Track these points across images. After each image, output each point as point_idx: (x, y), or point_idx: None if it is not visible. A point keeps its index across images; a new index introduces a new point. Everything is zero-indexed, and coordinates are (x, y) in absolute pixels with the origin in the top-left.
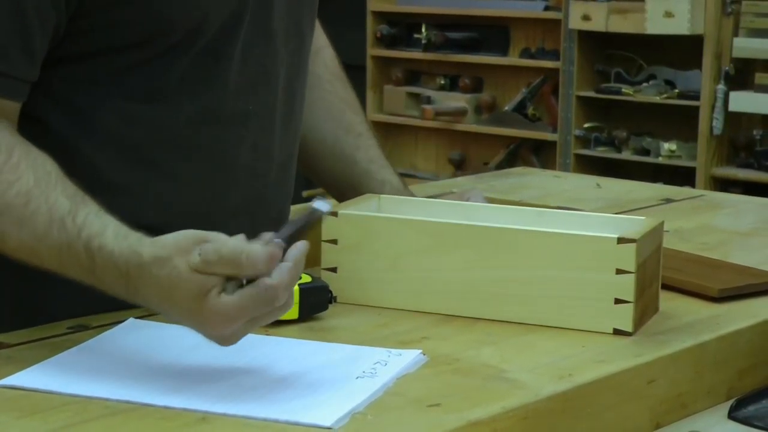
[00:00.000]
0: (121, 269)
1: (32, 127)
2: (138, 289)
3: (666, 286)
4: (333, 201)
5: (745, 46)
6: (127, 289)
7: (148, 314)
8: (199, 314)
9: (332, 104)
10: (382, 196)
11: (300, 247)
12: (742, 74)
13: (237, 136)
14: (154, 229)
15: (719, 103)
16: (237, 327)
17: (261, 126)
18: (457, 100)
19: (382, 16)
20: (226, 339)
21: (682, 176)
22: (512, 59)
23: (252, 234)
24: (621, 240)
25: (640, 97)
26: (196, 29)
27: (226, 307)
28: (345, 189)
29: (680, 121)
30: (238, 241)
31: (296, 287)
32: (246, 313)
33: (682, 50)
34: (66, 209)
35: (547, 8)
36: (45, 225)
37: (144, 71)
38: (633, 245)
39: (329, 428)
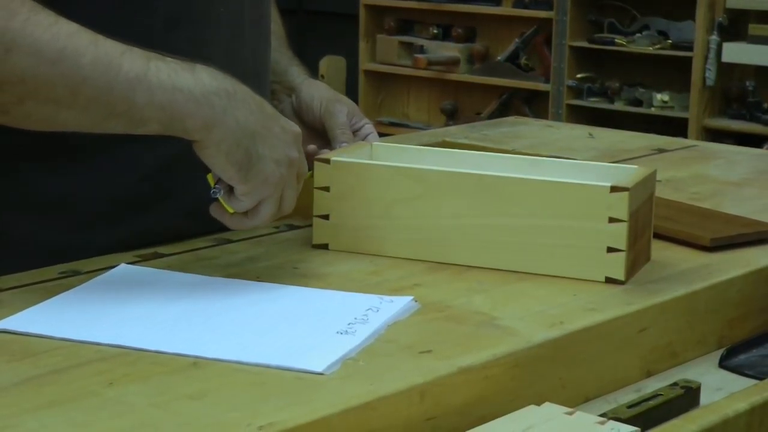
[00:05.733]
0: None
1: None
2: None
3: (658, 236)
4: None
5: None
6: (222, 83)
7: (140, 260)
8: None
9: None
10: (374, 144)
11: None
12: (735, 25)
13: (210, 39)
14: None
15: (712, 54)
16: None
17: (232, 30)
18: (449, 50)
19: None
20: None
21: (675, 127)
22: (505, 9)
23: None
24: (614, 188)
25: (633, 48)
26: None
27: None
28: None
29: (673, 71)
30: None
31: None
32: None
33: (676, 1)
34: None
35: None
36: (124, 45)
37: None
38: (626, 194)
39: (321, 374)
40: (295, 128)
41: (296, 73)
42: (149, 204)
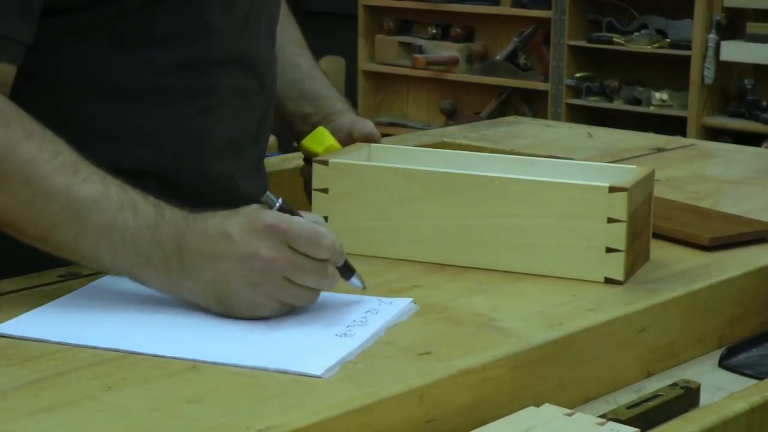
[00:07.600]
0: (186, 221)
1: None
2: (191, 237)
3: (657, 235)
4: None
5: None
6: (179, 242)
7: None
8: (251, 230)
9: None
10: (372, 145)
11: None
12: (733, 23)
13: (223, 79)
14: (142, 171)
15: (711, 53)
16: (279, 258)
17: (245, 69)
18: (448, 50)
19: None
20: (267, 271)
21: (674, 126)
22: (504, 8)
23: (238, 172)
24: (612, 189)
25: (632, 47)
26: None
27: (277, 218)
28: (286, 91)
29: (672, 70)
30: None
31: None
32: (293, 234)
33: None
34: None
35: None
36: (102, 187)
37: (128, 21)
38: (624, 194)
39: (320, 377)
40: (260, 222)
41: (339, 106)
42: None
